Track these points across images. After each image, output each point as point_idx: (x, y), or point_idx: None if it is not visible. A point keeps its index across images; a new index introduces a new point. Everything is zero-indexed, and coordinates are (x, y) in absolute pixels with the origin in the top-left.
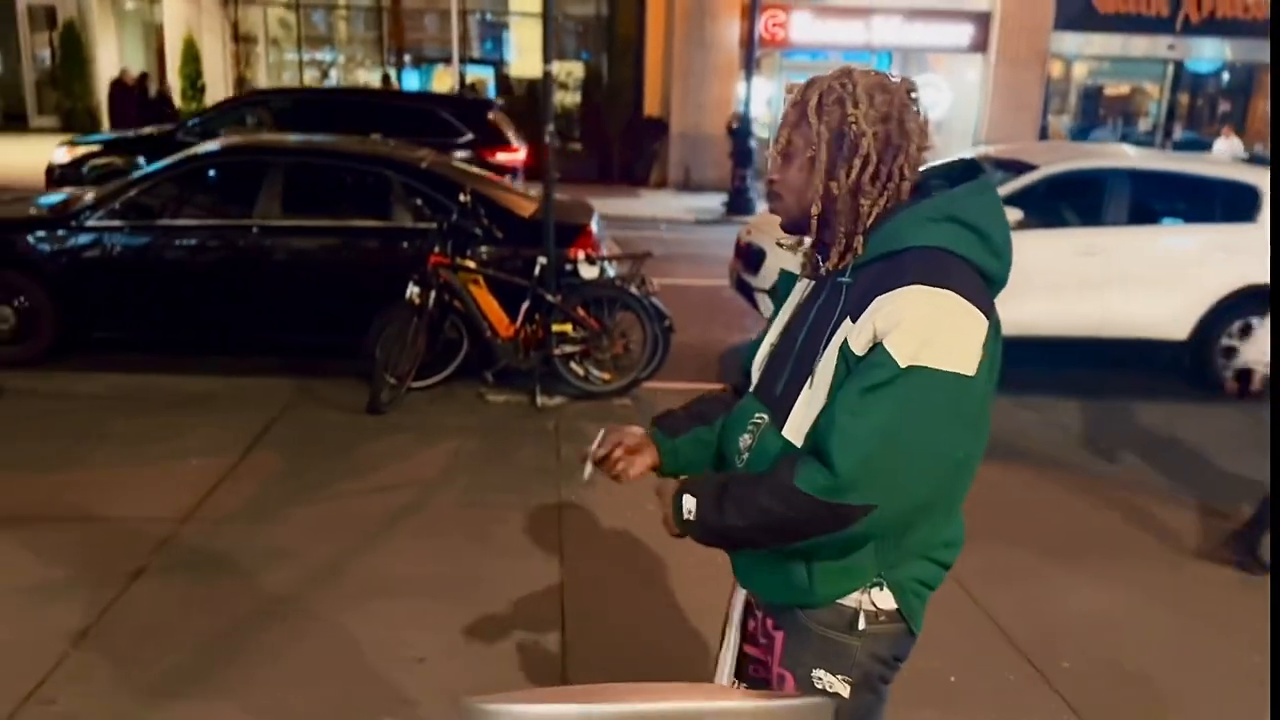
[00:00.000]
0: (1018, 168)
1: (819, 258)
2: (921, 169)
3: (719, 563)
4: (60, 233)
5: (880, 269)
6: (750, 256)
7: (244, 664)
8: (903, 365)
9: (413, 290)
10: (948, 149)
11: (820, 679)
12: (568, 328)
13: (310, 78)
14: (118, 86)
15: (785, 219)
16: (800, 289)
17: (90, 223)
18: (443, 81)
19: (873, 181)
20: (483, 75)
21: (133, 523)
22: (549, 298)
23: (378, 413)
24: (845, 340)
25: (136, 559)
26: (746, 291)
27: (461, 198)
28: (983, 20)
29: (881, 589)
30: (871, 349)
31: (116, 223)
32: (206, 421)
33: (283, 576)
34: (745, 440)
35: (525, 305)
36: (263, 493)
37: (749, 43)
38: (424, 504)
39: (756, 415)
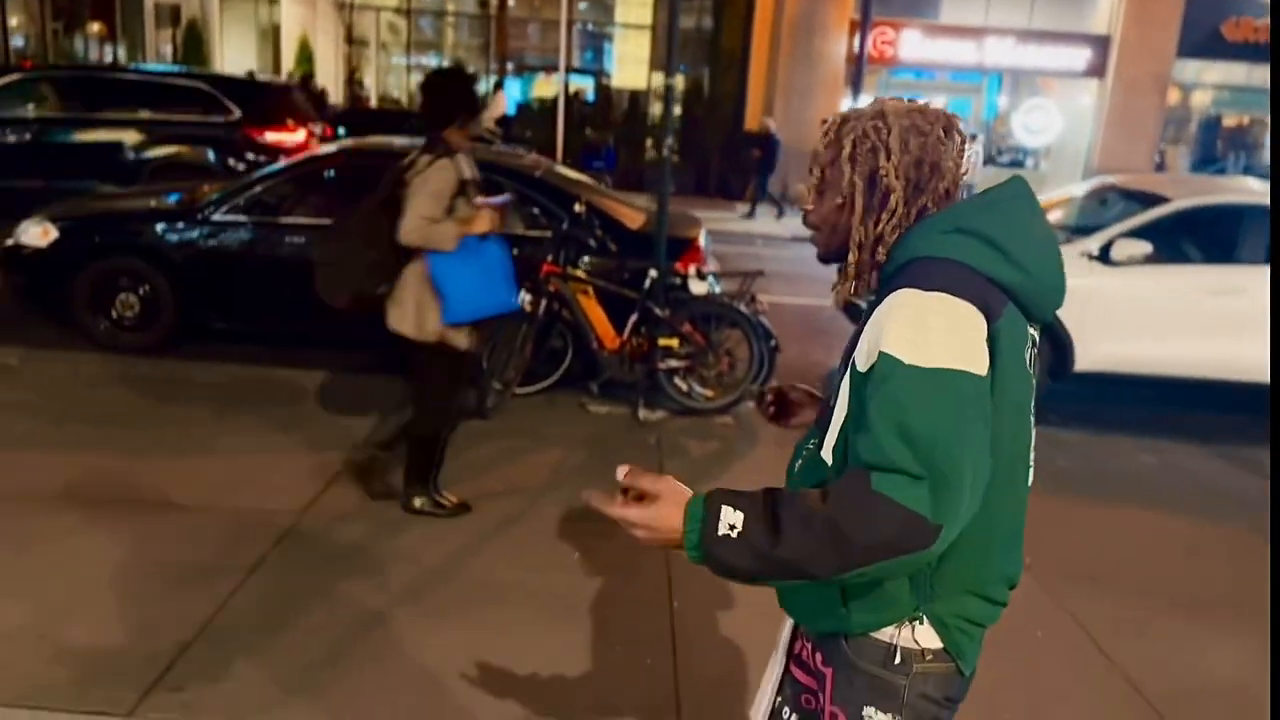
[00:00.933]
0: (1148, 199)
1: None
2: (965, 191)
3: None
4: (185, 225)
5: (891, 284)
6: None
7: (356, 664)
8: (907, 363)
9: (524, 297)
10: (1056, 177)
11: (870, 717)
12: (674, 342)
13: (416, 82)
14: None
15: (820, 249)
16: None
17: (214, 217)
18: (543, 89)
19: (893, 231)
20: (583, 84)
21: (255, 514)
22: (658, 311)
23: (483, 417)
24: (853, 361)
25: (257, 550)
26: (853, 313)
27: (576, 207)
28: (1101, 44)
29: (922, 623)
30: (874, 363)
31: (239, 218)
32: (321, 417)
33: (393, 576)
34: (798, 464)
35: (633, 318)
36: (374, 490)
37: (857, 60)
38: (531, 512)
39: (811, 441)
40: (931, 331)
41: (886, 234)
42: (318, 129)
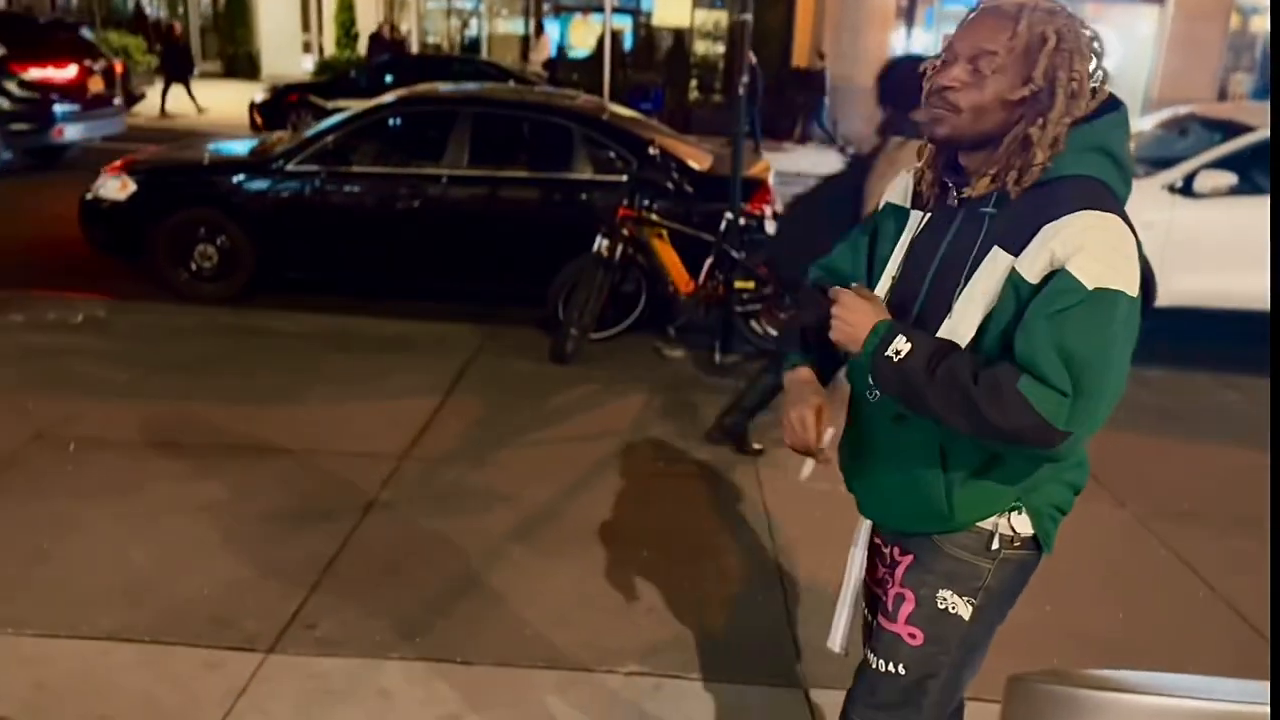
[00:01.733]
0: (1233, 129)
1: (947, 184)
2: None
3: None
4: (259, 176)
5: (1035, 197)
6: None
7: (476, 602)
8: (1090, 288)
9: (601, 243)
10: None
11: (944, 599)
12: (750, 285)
13: (455, 26)
14: (376, 39)
15: (949, 130)
16: (915, 222)
17: (288, 167)
18: (581, 30)
19: (1064, 136)
20: (622, 24)
21: (357, 458)
22: (734, 254)
23: (562, 362)
24: (1014, 269)
25: (366, 493)
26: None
27: (650, 150)
28: None
29: (1020, 513)
30: (1049, 275)
31: (312, 168)
32: (406, 364)
33: (501, 517)
34: (872, 396)
35: (709, 261)
36: (469, 434)
37: None
38: (622, 455)
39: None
40: (1114, 254)
41: (1061, 137)
42: (97, 65)
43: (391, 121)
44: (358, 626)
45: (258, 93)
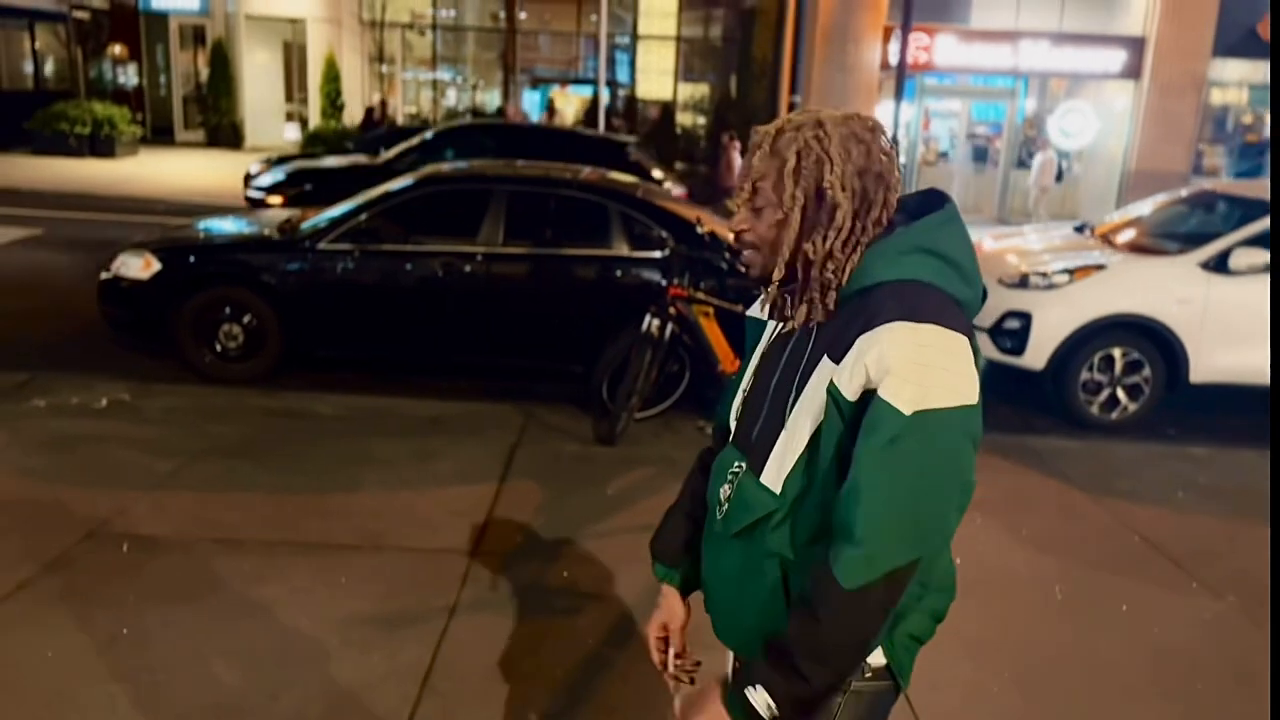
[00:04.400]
0: (1258, 206)
1: (787, 299)
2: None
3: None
4: (290, 255)
5: (854, 306)
6: None
7: (592, 710)
8: (908, 413)
9: (651, 322)
10: (1090, 179)
11: None
12: None
13: (433, 99)
14: (369, 114)
15: (757, 270)
16: (769, 332)
17: (320, 246)
18: (562, 102)
19: (843, 247)
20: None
21: (427, 555)
22: None
23: (610, 443)
24: (832, 382)
25: (445, 595)
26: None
27: (699, 230)
28: (1136, 45)
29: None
30: (866, 396)
31: (344, 246)
32: (452, 447)
33: (592, 618)
34: (725, 491)
35: None
36: (534, 526)
37: (899, 66)
38: None
39: (735, 464)
40: (931, 370)
41: (836, 250)
42: None
43: (424, 199)
44: None
45: (253, 164)
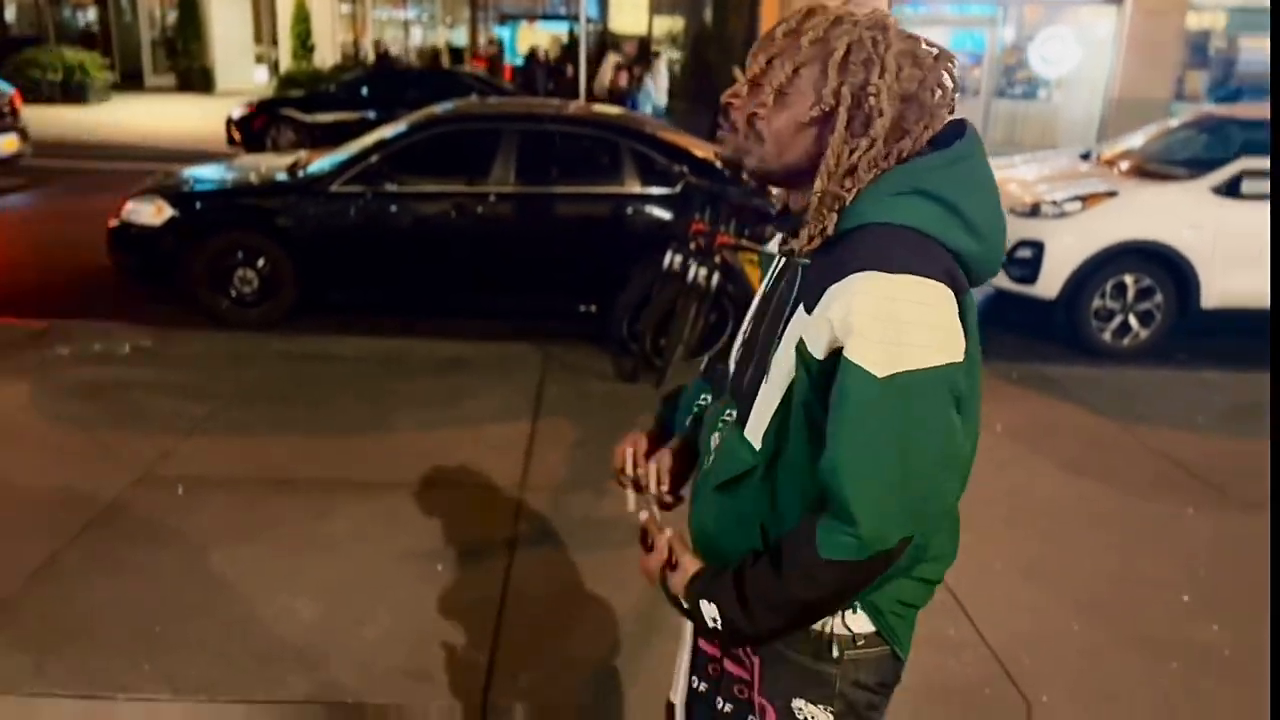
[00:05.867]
0: (1265, 129)
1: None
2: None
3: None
4: (303, 197)
5: (838, 250)
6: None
7: (667, 635)
8: (880, 376)
9: (673, 258)
10: (1069, 106)
11: (800, 710)
12: None
13: (409, 35)
14: (382, 58)
15: (755, 165)
16: (772, 269)
17: (332, 188)
18: (525, 39)
19: (869, 166)
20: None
21: (476, 490)
22: None
23: (633, 381)
24: (801, 338)
25: (502, 529)
26: None
27: (719, 164)
28: None
29: (855, 611)
30: (833, 356)
31: (356, 188)
32: (477, 387)
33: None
34: (715, 439)
35: None
36: (576, 461)
37: None
38: None
39: (727, 412)
40: (905, 327)
41: (861, 167)
42: None
43: (434, 140)
44: (555, 675)
45: (235, 108)
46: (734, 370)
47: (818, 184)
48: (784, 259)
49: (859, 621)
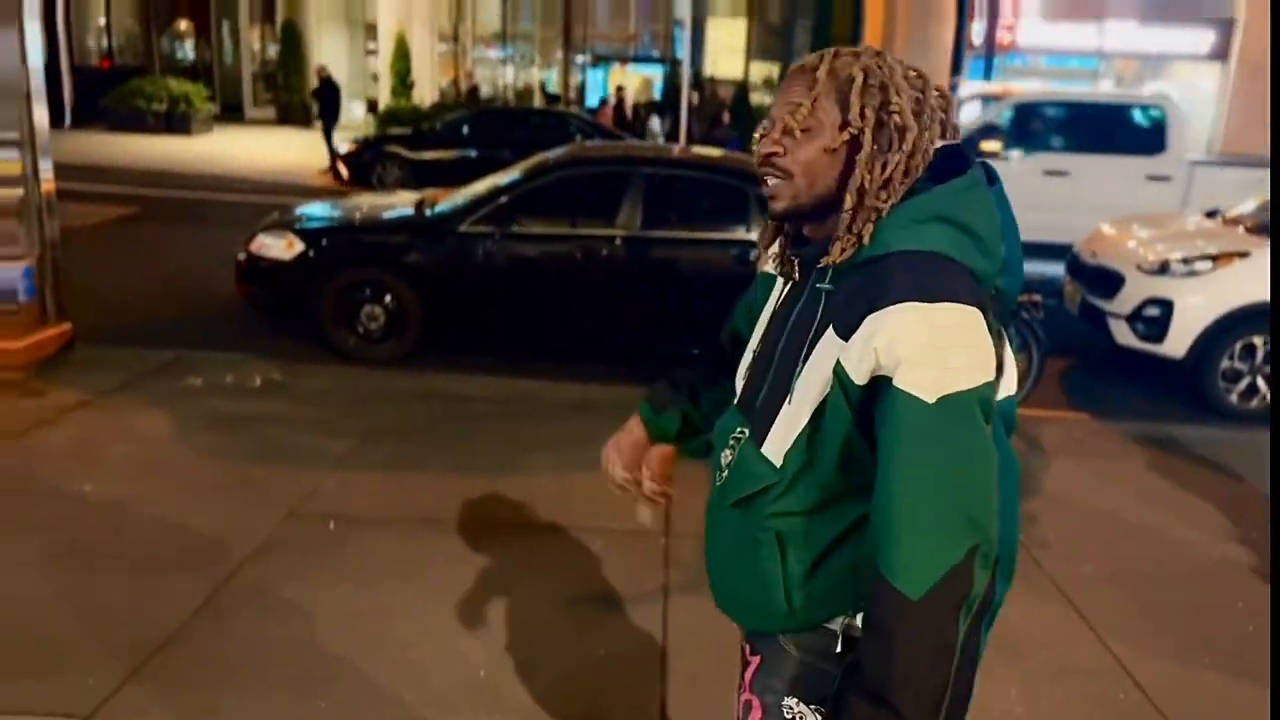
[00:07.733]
0: None
1: (794, 256)
2: None
3: None
4: (431, 236)
5: (863, 276)
6: (1101, 279)
7: None
8: (932, 401)
9: None
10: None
11: (791, 709)
12: None
13: (509, 73)
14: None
15: (788, 202)
16: (777, 292)
17: (460, 229)
18: (615, 79)
19: (902, 179)
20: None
21: (622, 535)
22: None
23: None
24: (839, 362)
25: (653, 574)
26: (1096, 318)
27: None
28: (1225, 27)
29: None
30: (876, 383)
31: (485, 229)
32: (607, 430)
33: None
34: (726, 456)
35: None
36: None
37: (986, 45)
38: None
39: (738, 430)
40: (951, 353)
41: (896, 180)
42: None
43: (563, 182)
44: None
45: (342, 144)
46: (742, 388)
47: (848, 201)
48: (789, 281)
49: None
